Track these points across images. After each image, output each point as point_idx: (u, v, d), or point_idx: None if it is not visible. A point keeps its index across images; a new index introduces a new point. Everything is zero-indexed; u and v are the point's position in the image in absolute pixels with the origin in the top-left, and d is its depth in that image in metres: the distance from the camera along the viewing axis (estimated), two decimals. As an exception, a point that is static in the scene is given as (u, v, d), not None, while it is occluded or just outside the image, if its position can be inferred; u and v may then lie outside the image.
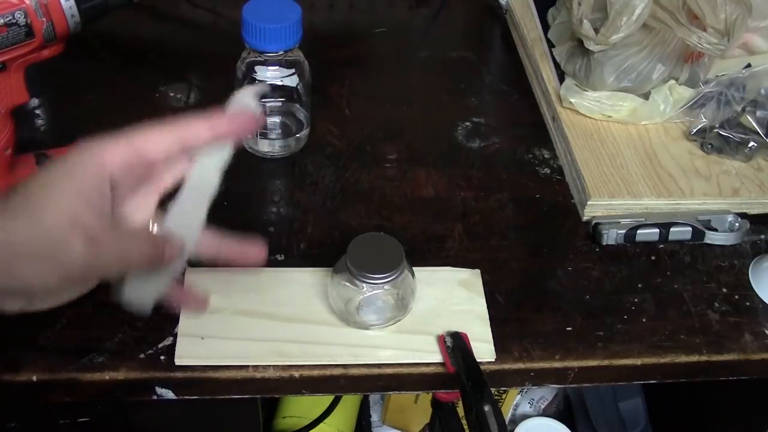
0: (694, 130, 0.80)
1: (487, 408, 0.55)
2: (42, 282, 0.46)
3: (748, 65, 0.83)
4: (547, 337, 0.64)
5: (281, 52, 0.72)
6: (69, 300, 0.50)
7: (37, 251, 0.45)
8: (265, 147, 0.77)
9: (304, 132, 0.79)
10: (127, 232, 0.49)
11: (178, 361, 0.59)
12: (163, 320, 0.61)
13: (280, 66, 0.73)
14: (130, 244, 0.48)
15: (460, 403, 0.61)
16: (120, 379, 0.59)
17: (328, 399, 0.99)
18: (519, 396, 1.15)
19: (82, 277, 0.47)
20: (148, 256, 0.48)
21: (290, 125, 0.77)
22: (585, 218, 0.74)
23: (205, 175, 0.50)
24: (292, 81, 0.74)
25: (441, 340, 0.62)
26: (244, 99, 0.51)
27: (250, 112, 0.50)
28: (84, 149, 0.47)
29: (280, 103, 0.75)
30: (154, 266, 0.49)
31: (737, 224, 0.74)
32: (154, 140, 0.48)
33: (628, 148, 0.79)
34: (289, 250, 0.69)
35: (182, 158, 0.50)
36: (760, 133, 0.79)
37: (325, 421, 0.98)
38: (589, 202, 0.73)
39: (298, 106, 0.77)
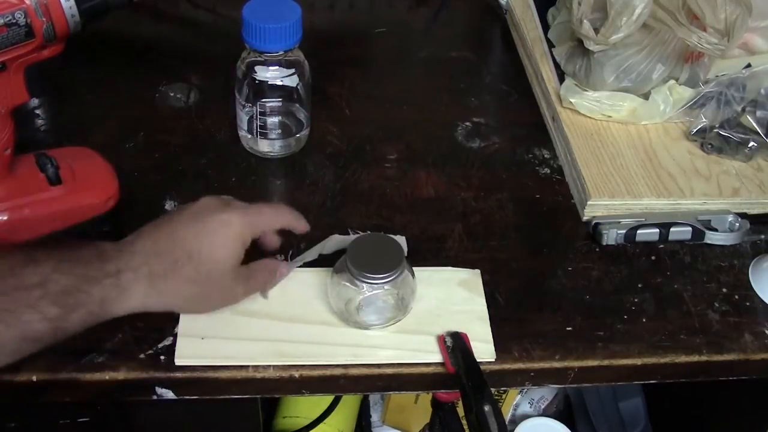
0: (694, 130, 0.80)
1: (487, 408, 0.55)
2: (201, 312, 0.61)
3: (748, 65, 0.83)
4: (547, 337, 0.64)
5: (281, 52, 0.72)
6: None
7: (208, 296, 0.58)
8: (265, 147, 0.77)
9: (304, 132, 0.78)
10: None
11: (178, 361, 0.59)
12: (163, 320, 0.61)
13: (280, 66, 0.73)
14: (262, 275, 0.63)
15: (460, 403, 0.61)
16: (120, 379, 0.59)
17: (328, 399, 0.99)
18: (519, 396, 1.15)
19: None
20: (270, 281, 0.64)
21: (290, 125, 0.77)
22: (585, 218, 0.74)
23: (314, 250, 0.68)
24: (292, 81, 0.74)
25: (441, 340, 0.62)
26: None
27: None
28: (222, 217, 0.58)
29: (280, 103, 0.75)
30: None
31: (737, 224, 0.74)
32: (271, 223, 0.62)
33: (628, 148, 0.79)
34: (289, 250, 0.69)
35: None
36: (760, 133, 0.79)
37: (325, 421, 0.98)
38: (589, 202, 0.73)
39: (298, 106, 0.77)
